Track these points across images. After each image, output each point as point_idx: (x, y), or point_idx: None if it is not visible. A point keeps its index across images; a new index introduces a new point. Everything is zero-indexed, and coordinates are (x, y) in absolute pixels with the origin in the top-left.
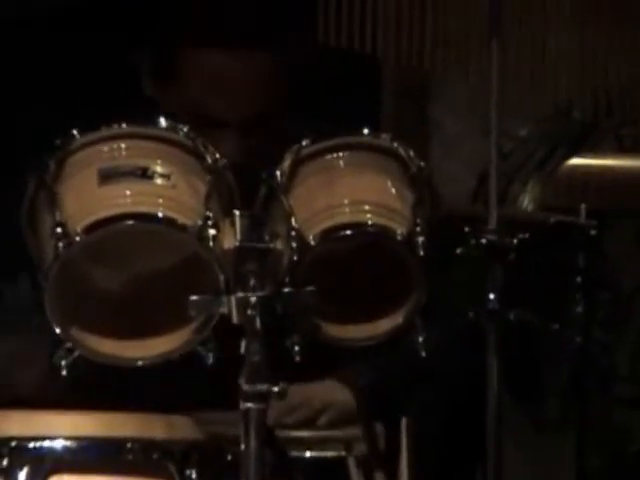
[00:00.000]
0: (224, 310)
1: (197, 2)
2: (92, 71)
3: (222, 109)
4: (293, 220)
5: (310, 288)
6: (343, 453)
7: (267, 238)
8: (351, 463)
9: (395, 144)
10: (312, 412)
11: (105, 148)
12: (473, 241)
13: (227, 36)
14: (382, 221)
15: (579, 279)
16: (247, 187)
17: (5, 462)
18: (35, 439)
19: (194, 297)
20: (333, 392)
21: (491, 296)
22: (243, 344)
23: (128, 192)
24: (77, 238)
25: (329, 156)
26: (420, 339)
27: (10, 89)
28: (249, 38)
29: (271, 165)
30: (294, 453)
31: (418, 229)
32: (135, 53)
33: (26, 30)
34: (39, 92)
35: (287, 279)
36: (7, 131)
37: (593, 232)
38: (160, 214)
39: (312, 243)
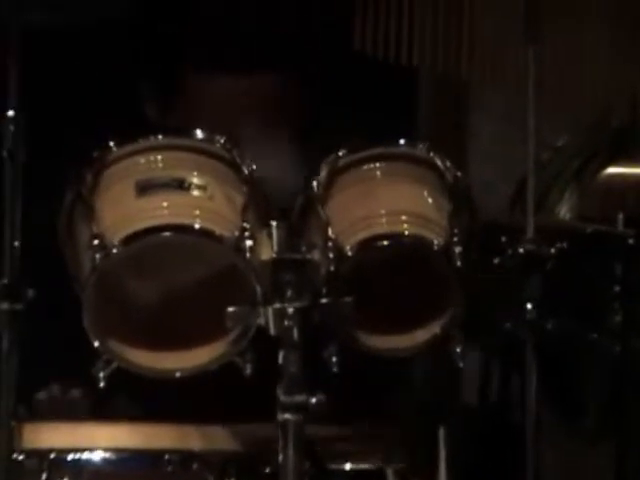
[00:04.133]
0: (261, 321)
1: (197, 31)
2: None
3: (226, 131)
4: (330, 230)
5: (347, 298)
6: (382, 464)
7: (304, 249)
8: (389, 475)
9: (432, 154)
10: None
11: (142, 160)
12: (510, 251)
13: (228, 62)
14: (419, 231)
15: (617, 288)
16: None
17: (44, 475)
18: (74, 451)
19: (231, 308)
20: None
21: (529, 306)
22: (280, 355)
23: (165, 204)
24: (114, 250)
25: (366, 166)
26: (458, 350)
27: (45, 102)
28: (249, 63)
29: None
30: (332, 465)
31: (455, 239)
32: (139, 84)
33: (63, 41)
34: (76, 104)
35: (324, 290)
36: (45, 143)
37: (631, 241)
38: (197, 225)
39: (349, 253)
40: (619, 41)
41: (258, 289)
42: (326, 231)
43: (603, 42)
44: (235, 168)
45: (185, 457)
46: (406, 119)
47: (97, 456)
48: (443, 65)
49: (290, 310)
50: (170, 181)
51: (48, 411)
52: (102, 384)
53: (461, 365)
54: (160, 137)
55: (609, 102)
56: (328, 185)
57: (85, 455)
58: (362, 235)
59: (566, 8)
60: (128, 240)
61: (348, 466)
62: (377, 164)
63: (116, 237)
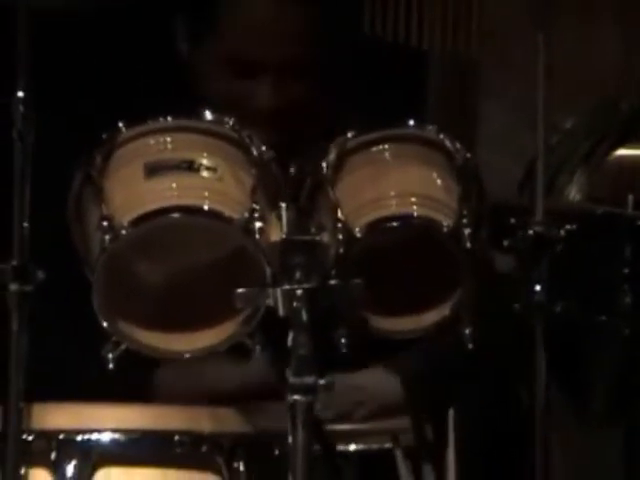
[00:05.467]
0: (270, 302)
1: None
2: (136, 64)
3: (259, 52)
4: (339, 212)
5: (356, 280)
6: (390, 446)
7: (313, 230)
8: (398, 455)
9: (441, 136)
10: (348, 405)
11: (151, 141)
12: (520, 233)
13: None
14: (428, 213)
15: (626, 270)
16: (286, 134)
17: (53, 455)
18: (83, 432)
19: (240, 290)
20: (376, 382)
21: (537, 288)
22: (289, 337)
23: (174, 185)
24: (123, 231)
25: (375, 148)
26: (467, 331)
27: (55, 83)
28: None
29: (309, 115)
30: (341, 446)
31: (464, 221)
32: (171, 16)
33: (72, 23)
34: (84, 85)
35: (333, 271)
36: (54, 124)
37: None
38: (206, 207)
39: (358, 235)
40: (630, 25)
41: (267, 270)
42: (335, 213)
43: (614, 26)
44: (244, 149)
45: (194, 439)
46: (416, 102)
47: (106, 437)
48: (453, 46)
49: (299, 292)
50: (179, 162)
51: None
52: (111, 365)
53: (470, 347)
54: (169, 119)
55: (619, 84)
56: (337, 167)
57: (94, 436)
58: (371, 217)
59: None
60: (137, 222)
61: (356, 447)
62: (386, 146)
63: (125, 219)
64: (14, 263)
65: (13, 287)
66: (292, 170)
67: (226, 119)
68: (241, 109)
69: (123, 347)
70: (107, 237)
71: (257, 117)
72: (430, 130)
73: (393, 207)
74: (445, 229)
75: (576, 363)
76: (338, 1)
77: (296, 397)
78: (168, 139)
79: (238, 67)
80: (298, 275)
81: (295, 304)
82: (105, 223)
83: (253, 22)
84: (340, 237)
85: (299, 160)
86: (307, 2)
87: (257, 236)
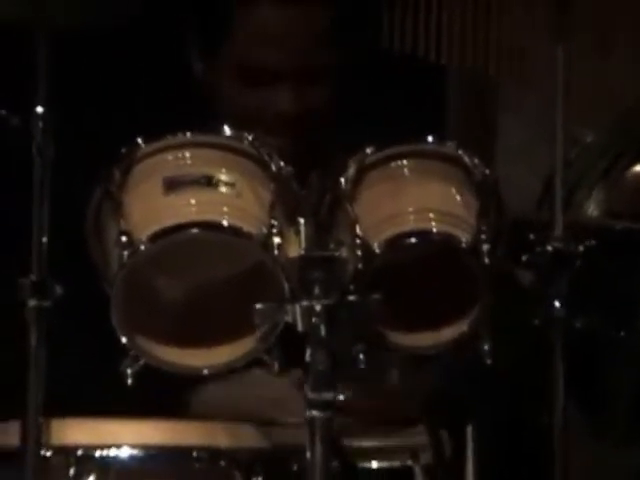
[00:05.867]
0: (289, 318)
1: None
2: (154, 81)
3: (274, 60)
4: (358, 228)
5: (375, 296)
6: (410, 462)
7: (332, 246)
8: (418, 472)
9: (460, 152)
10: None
11: (170, 157)
12: (539, 248)
13: None
14: (447, 229)
15: None
16: (304, 142)
17: (72, 471)
18: (101, 447)
19: (259, 305)
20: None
21: (557, 304)
22: (308, 352)
23: (193, 201)
24: (142, 247)
25: (394, 164)
26: (485, 347)
27: (74, 99)
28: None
29: (325, 122)
30: (361, 463)
31: (483, 236)
32: (184, 28)
33: (90, 40)
34: (103, 101)
35: (352, 287)
36: (73, 140)
37: None
38: (225, 222)
39: (377, 251)
40: None
41: (286, 286)
42: (354, 228)
43: (634, 43)
44: (263, 165)
45: (213, 454)
46: (435, 117)
47: (124, 453)
48: (471, 62)
49: (318, 307)
50: (198, 178)
51: None
52: (130, 381)
53: (489, 362)
54: (188, 134)
55: (638, 99)
56: (356, 182)
57: (112, 452)
58: (390, 232)
59: (596, 5)
60: (156, 237)
61: (376, 464)
62: (405, 161)
63: (144, 234)
64: (33, 278)
65: (32, 302)
66: (312, 180)
67: (245, 135)
68: (260, 121)
69: (142, 362)
70: (126, 252)
71: (276, 126)
72: (449, 146)
73: (412, 223)
74: (464, 245)
75: (595, 379)
76: (353, 7)
77: (314, 412)
78: (187, 154)
79: (253, 77)
80: (317, 291)
81: (314, 320)
82: (124, 238)
83: (265, 30)
84: (359, 253)
85: (319, 172)
86: (318, 8)
87: (276, 252)
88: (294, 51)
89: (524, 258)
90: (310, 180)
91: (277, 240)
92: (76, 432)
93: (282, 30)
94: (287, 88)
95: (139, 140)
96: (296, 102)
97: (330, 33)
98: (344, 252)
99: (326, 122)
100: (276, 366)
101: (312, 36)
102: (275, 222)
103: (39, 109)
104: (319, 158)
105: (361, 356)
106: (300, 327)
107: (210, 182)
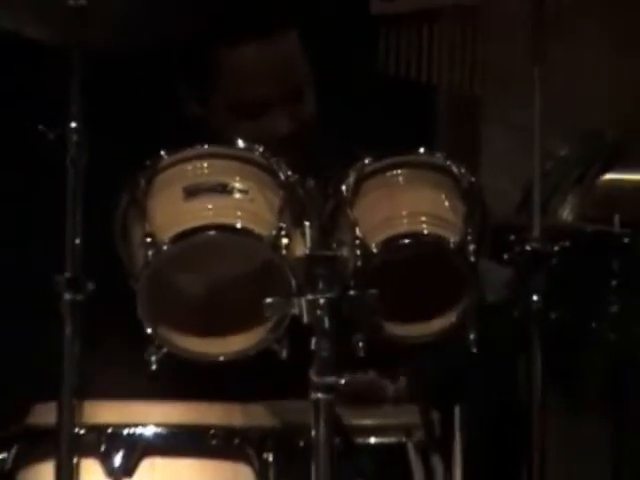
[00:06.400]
0: (295, 311)
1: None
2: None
3: (263, 92)
4: (357, 230)
5: (373, 291)
6: (403, 439)
7: (334, 246)
8: (410, 448)
9: (448, 162)
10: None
11: (189, 167)
12: (518, 248)
13: (253, 32)
14: (437, 231)
15: (614, 282)
16: (303, 154)
17: (103, 447)
18: (129, 426)
19: (269, 299)
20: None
21: (535, 297)
22: (313, 341)
23: (210, 206)
24: (164, 247)
25: (389, 173)
26: (471, 336)
27: (106, 115)
28: (268, 30)
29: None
30: (359, 439)
31: (469, 238)
32: (178, 79)
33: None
34: (130, 117)
35: (352, 283)
36: (103, 152)
37: (626, 240)
38: (239, 225)
39: (374, 251)
40: (616, 62)
41: (293, 282)
42: (354, 230)
43: (602, 65)
44: (273, 174)
45: (228, 432)
46: (426, 131)
47: (149, 431)
48: (459, 82)
49: (321, 301)
50: (215, 185)
51: None
52: (154, 367)
53: (474, 350)
54: (206, 146)
55: (607, 115)
56: (355, 189)
57: (139, 430)
58: (386, 234)
59: (569, 31)
60: (177, 238)
61: (373, 440)
62: (399, 171)
63: (166, 236)
64: (67, 275)
65: (67, 296)
66: (309, 185)
67: (256, 146)
68: (262, 144)
69: (164, 350)
70: (150, 252)
71: (276, 146)
72: (439, 157)
73: (405, 225)
74: (452, 245)
75: (569, 363)
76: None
77: (319, 395)
78: (204, 165)
79: (248, 111)
80: (321, 286)
81: (318, 312)
82: (148, 240)
83: (250, 70)
84: (358, 252)
85: (320, 180)
86: (295, 37)
87: (284, 251)
88: (279, 79)
89: (506, 257)
90: (307, 187)
91: (285, 241)
92: (106, 412)
93: (265, 67)
94: (280, 112)
95: (162, 152)
96: (290, 122)
97: (306, 53)
98: (345, 252)
99: (315, 130)
100: (284, 353)
101: (292, 62)
102: (283, 225)
103: (73, 124)
104: (314, 166)
105: (360, 345)
106: (306, 319)
107: (225, 189)
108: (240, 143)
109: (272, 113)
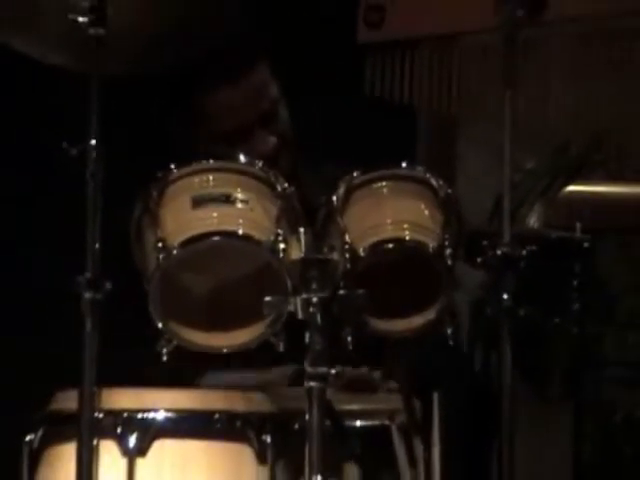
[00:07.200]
0: (291, 308)
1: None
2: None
3: (245, 119)
4: (347, 236)
5: (360, 291)
6: (387, 422)
7: (326, 251)
8: (394, 431)
9: (428, 174)
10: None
11: (196, 179)
12: (490, 252)
13: (228, 74)
14: (418, 237)
15: (575, 282)
16: (290, 162)
17: (119, 429)
18: (142, 411)
19: (267, 298)
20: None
21: (505, 296)
22: (307, 335)
23: (215, 214)
24: (174, 251)
25: (375, 185)
26: (449, 331)
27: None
28: (241, 69)
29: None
30: (347, 422)
31: (446, 243)
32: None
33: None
34: (144, 135)
35: (342, 284)
36: (120, 166)
37: (586, 245)
38: (240, 232)
39: (362, 254)
40: (579, 87)
41: (289, 283)
42: (344, 236)
43: (567, 86)
44: (271, 186)
45: (231, 417)
46: (407, 147)
47: (160, 415)
48: (437, 104)
49: (314, 300)
50: (219, 196)
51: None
52: (165, 358)
53: (451, 343)
54: (211, 161)
55: (570, 133)
56: (345, 199)
57: (151, 414)
58: (372, 240)
59: (537, 59)
60: (185, 243)
61: (359, 423)
62: (384, 183)
63: (176, 241)
64: (87, 276)
65: (87, 295)
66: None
67: (256, 161)
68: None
69: (174, 343)
70: (161, 256)
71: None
72: (419, 170)
73: (389, 232)
74: (431, 250)
75: (536, 355)
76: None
77: (312, 383)
78: (210, 177)
79: (233, 137)
80: (314, 286)
81: (311, 310)
82: (160, 244)
83: (229, 104)
84: (347, 256)
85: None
86: (267, 70)
87: (281, 255)
88: (255, 106)
89: (479, 260)
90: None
91: (282, 246)
92: (122, 399)
93: (241, 100)
94: (263, 132)
95: (172, 166)
96: (272, 138)
97: (275, 78)
98: (335, 255)
99: (295, 139)
100: (281, 346)
101: (264, 89)
102: (280, 231)
103: (92, 142)
104: (297, 176)
105: (349, 339)
106: (300, 315)
107: (228, 199)
108: (242, 158)
109: (257, 134)
